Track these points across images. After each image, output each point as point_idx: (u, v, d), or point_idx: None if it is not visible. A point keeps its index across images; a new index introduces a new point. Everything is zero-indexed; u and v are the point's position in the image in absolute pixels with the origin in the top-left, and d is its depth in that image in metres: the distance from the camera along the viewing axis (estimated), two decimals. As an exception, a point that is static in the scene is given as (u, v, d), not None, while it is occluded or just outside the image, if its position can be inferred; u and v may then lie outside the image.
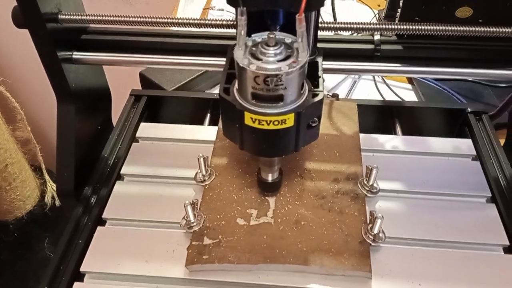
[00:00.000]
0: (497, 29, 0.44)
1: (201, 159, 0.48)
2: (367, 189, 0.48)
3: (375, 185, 0.48)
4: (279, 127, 0.36)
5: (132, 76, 0.80)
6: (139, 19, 0.46)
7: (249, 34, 0.36)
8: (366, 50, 0.50)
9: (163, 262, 0.43)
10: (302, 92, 0.37)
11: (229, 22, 0.45)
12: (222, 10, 1.06)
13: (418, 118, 0.63)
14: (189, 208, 0.43)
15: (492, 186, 0.50)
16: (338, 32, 0.47)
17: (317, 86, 0.38)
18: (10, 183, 1.10)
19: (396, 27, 0.45)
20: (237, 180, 0.49)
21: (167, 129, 0.59)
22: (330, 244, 0.43)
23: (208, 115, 0.64)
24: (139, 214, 0.48)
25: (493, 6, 0.45)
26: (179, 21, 0.46)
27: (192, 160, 0.50)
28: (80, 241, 0.46)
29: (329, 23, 0.45)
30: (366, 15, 1.01)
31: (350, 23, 0.45)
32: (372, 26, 0.45)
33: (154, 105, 0.65)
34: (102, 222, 0.48)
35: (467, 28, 0.44)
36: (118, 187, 0.52)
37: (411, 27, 0.44)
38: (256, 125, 0.36)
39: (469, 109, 0.61)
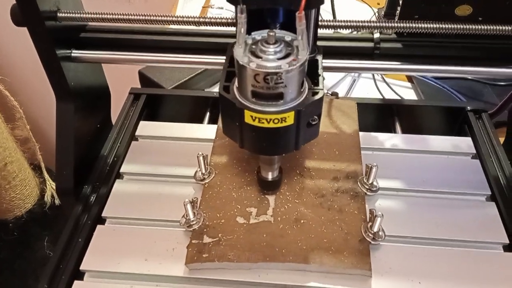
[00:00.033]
0: (497, 27, 0.44)
1: (201, 158, 0.48)
2: (367, 187, 0.48)
3: (374, 183, 0.48)
4: (279, 125, 0.36)
5: (131, 74, 0.80)
6: (138, 17, 0.46)
7: (249, 32, 0.36)
8: (366, 48, 0.49)
9: (162, 261, 0.43)
10: (302, 90, 0.37)
11: (229, 20, 0.45)
12: (222, 8, 1.05)
13: (417, 117, 0.63)
14: (188, 206, 0.43)
15: (492, 184, 0.50)
16: (338, 30, 0.47)
17: (317, 84, 0.38)
18: (9, 182, 1.10)
19: (395, 25, 0.45)
20: (236, 178, 0.49)
21: (167, 128, 0.59)
22: (330, 242, 0.43)
23: (208, 113, 0.64)
24: (139, 213, 0.48)
25: (493, 4, 0.45)
26: (178, 19, 0.46)
27: (191, 158, 0.50)
28: (79, 240, 0.46)
29: (329, 21, 0.45)
30: (366, 14, 1.01)
31: (349, 21, 0.45)
32: (372, 24, 0.45)
33: (154, 103, 0.65)
34: (102, 221, 0.48)
35: (467, 26, 0.44)
36: (118, 185, 0.51)
37: (410, 25, 0.44)
38: (256, 123, 0.36)
39: (468, 108, 0.61)
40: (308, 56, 0.35)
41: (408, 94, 0.84)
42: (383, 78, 0.86)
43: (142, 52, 0.51)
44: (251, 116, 0.36)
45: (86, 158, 0.54)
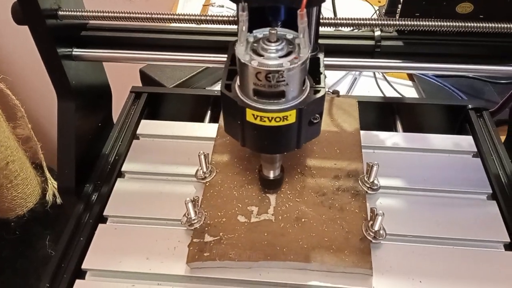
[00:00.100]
0: (498, 25, 0.44)
1: (202, 156, 0.48)
2: (368, 186, 0.48)
3: (375, 182, 0.48)
4: (281, 123, 0.36)
5: (132, 73, 0.80)
6: (139, 15, 0.46)
7: (250, 30, 0.36)
8: (367, 46, 0.49)
9: (164, 259, 0.43)
10: (303, 88, 0.36)
11: (230, 18, 0.45)
12: (222, 6, 1.05)
13: (418, 115, 0.63)
14: (190, 205, 0.43)
15: (492, 183, 0.50)
16: (339, 28, 0.46)
17: (318, 82, 0.38)
18: (11, 181, 1.11)
19: (396, 23, 0.45)
20: (237, 177, 0.49)
21: (168, 126, 0.59)
22: (330, 241, 0.43)
23: (209, 112, 0.64)
24: (140, 212, 0.48)
25: (494, 1, 0.45)
26: (179, 17, 0.46)
27: (192, 157, 0.50)
28: (81, 239, 0.46)
29: (330, 18, 0.45)
30: (367, 11, 1.01)
31: (350, 19, 0.45)
32: (373, 22, 0.45)
33: (155, 102, 0.65)
34: (103, 220, 0.48)
35: (468, 24, 0.44)
36: (119, 184, 0.52)
37: (411, 23, 0.44)
38: (257, 121, 0.36)
39: (469, 106, 0.61)
40: (309, 54, 0.35)
41: (409, 92, 0.84)
42: (384, 76, 0.86)
43: (143, 51, 0.51)
44: (253, 115, 0.36)
45: (88, 156, 0.54)
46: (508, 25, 0.44)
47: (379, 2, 1.04)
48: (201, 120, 0.62)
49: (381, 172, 0.47)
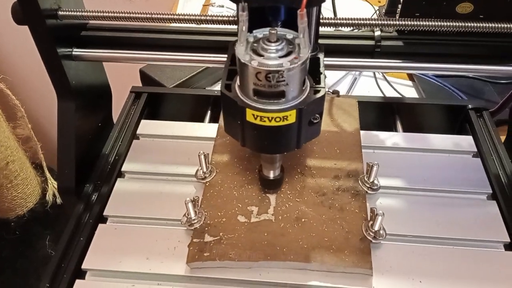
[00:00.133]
0: (498, 25, 0.44)
1: (202, 156, 0.48)
2: (368, 186, 0.48)
3: (375, 182, 0.48)
4: (281, 123, 0.36)
5: (132, 73, 0.80)
6: (139, 15, 0.46)
7: (250, 30, 0.36)
8: (367, 46, 0.49)
9: (164, 259, 0.43)
10: (303, 88, 0.37)
11: (230, 18, 0.45)
12: (222, 6, 1.05)
13: (418, 115, 0.63)
14: (190, 205, 0.43)
15: (493, 183, 0.50)
16: (339, 28, 0.46)
17: (318, 82, 0.38)
18: (11, 181, 1.11)
19: (396, 22, 0.45)
20: (237, 177, 0.49)
21: (168, 126, 0.59)
22: (330, 241, 0.43)
23: (209, 112, 0.64)
24: (140, 211, 0.48)
25: (494, 1, 0.45)
26: (179, 17, 0.46)
27: (192, 157, 0.50)
28: (81, 239, 0.46)
29: (330, 18, 0.45)
30: (367, 11, 1.01)
31: (350, 19, 0.45)
32: (373, 22, 0.45)
33: (155, 102, 0.65)
34: (103, 220, 0.48)
35: (468, 24, 0.44)
36: (119, 184, 0.52)
37: (411, 23, 0.44)
38: (257, 121, 0.36)
39: (469, 106, 0.61)
40: (309, 54, 0.35)
41: (409, 92, 0.84)
42: (384, 76, 0.86)
43: (143, 51, 0.51)
44: (253, 115, 0.36)
45: (88, 156, 0.54)
46: (508, 25, 0.44)
47: (379, 2, 1.04)
48: (201, 120, 0.62)
49: (381, 172, 0.47)
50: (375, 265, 0.42)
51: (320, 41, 0.43)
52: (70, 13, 0.47)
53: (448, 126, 0.62)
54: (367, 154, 0.52)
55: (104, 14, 0.47)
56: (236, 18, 0.44)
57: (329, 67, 0.49)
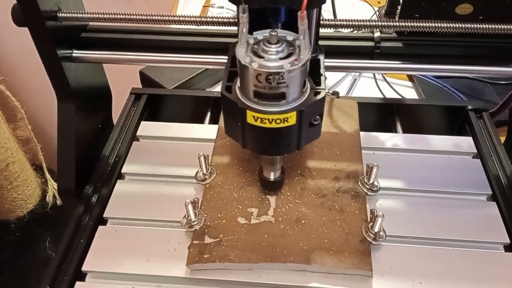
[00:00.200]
0: (497, 26, 0.44)
1: (202, 158, 0.48)
2: (368, 187, 0.48)
3: (375, 183, 0.48)
4: (281, 125, 0.36)
5: (132, 74, 0.80)
6: (139, 17, 0.46)
7: (250, 31, 0.36)
8: (366, 48, 0.49)
9: (164, 261, 0.43)
10: (304, 90, 0.37)
11: (229, 20, 0.45)
12: (222, 7, 1.05)
13: (418, 116, 0.63)
14: (190, 207, 0.43)
15: (492, 184, 0.50)
16: (338, 29, 0.46)
17: (319, 84, 0.38)
18: (11, 182, 1.11)
19: (396, 24, 0.45)
20: (237, 178, 0.49)
21: (168, 128, 0.59)
22: (330, 242, 0.43)
23: (209, 113, 0.64)
24: (140, 213, 0.48)
25: (493, 3, 0.45)
26: (180, 18, 0.46)
27: (192, 158, 0.50)
28: (81, 241, 0.46)
29: (329, 20, 0.45)
30: (366, 12, 1.01)
31: (350, 20, 0.45)
32: (372, 23, 0.45)
33: (155, 103, 0.65)
34: (103, 221, 0.48)
35: (467, 25, 0.44)
36: (119, 186, 0.52)
37: (411, 24, 0.44)
38: (258, 123, 0.36)
39: (469, 107, 0.61)
40: (310, 56, 0.35)
41: (409, 93, 0.84)
42: (384, 77, 0.86)
43: (143, 52, 0.51)
44: (253, 116, 0.36)
45: (88, 158, 0.54)
46: (508, 26, 0.44)
47: (379, 3, 1.04)
48: (201, 121, 0.62)
49: (381, 173, 0.47)
50: (375, 266, 0.42)
51: (320, 42, 0.43)
52: (70, 14, 0.47)
53: (448, 127, 0.63)
54: (367, 155, 0.52)
55: (104, 16, 0.47)
56: (236, 20, 0.44)
57: (328, 68, 0.49)
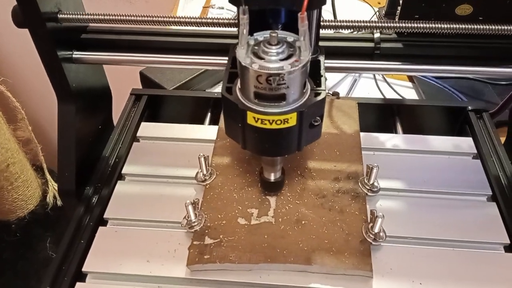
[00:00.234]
0: (497, 27, 0.44)
1: (202, 159, 0.48)
2: (368, 188, 0.48)
3: (375, 184, 0.48)
4: (282, 126, 0.36)
5: (133, 75, 0.80)
6: (139, 18, 0.46)
7: (251, 33, 0.36)
8: (366, 48, 0.49)
9: (164, 262, 0.43)
10: (304, 91, 0.37)
11: (230, 21, 0.45)
12: (222, 8, 1.05)
13: (418, 116, 0.63)
14: (190, 207, 0.44)
15: (492, 184, 0.50)
16: (338, 30, 0.46)
17: (319, 85, 0.38)
18: (12, 183, 1.11)
19: (396, 25, 0.45)
20: (238, 179, 0.49)
21: (168, 129, 0.59)
22: (331, 243, 0.43)
23: (209, 114, 0.64)
24: (141, 214, 0.48)
25: (493, 3, 0.45)
26: (180, 19, 0.46)
27: (193, 159, 0.50)
28: (82, 241, 0.46)
29: (329, 21, 0.45)
30: (366, 13, 1.01)
31: (350, 21, 0.45)
32: (372, 24, 0.45)
33: (155, 104, 0.65)
34: (104, 222, 0.48)
35: (467, 26, 0.44)
36: (119, 187, 0.52)
37: (411, 25, 0.44)
38: (258, 124, 0.36)
39: (469, 107, 0.61)
40: (310, 57, 0.35)
41: (409, 93, 0.84)
42: (384, 77, 0.86)
43: (143, 53, 0.51)
44: (254, 117, 0.36)
45: (88, 159, 0.54)
46: (507, 27, 0.44)
47: (379, 3, 1.04)
48: (201, 122, 0.63)
49: (381, 174, 0.47)
50: (375, 267, 0.42)
51: (320, 43, 0.44)
52: (70, 16, 0.47)
53: (448, 127, 0.63)
54: (367, 156, 0.52)
55: (104, 17, 0.47)
56: (236, 21, 0.44)
57: (328, 69, 0.49)
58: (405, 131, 0.60)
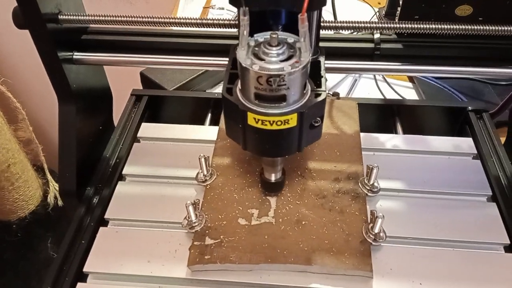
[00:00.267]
0: (497, 27, 0.44)
1: (202, 159, 0.48)
2: (368, 188, 0.48)
3: (375, 184, 0.48)
4: (282, 127, 0.36)
5: (133, 76, 0.80)
6: (139, 19, 0.46)
7: (251, 34, 0.36)
8: (366, 49, 0.50)
9: (165, 262, 0.44)
10: (304, 92, 0.37)
11: (230, 22, 0.45)
12: (222, 9, 1.05)
13: (418, 117, 0.63)
14: (190, 208, 0.44)
15: (493, 184, 0.50)
16: (338, 31, 0.47)
17: (319, 85, 0.38)
18: (12, 183, 1.11)
19: (396, 25, 0.45)
20: (238, 179, 0.49)
21: (168, 129, 0.59)
22: (331, 243, 0.43)
23: (209, 114, 0.64)
24: (141, 214, 0.48)
25: (493, 4, 0.45)
26: (180, 20, 0.46)
27: (193, 160, 0.50)
28: (83, 242, 0.46)
29: (329, 22, 0.45)
30: (367, 13, 1.01)
31: (350, 22, 0.45)
32: (372, 25, 0.45)
33: (155, 105, 0.65)
34: (105, 223, 0.49)
35: (467, 27, 0.44)
36: (120, 187, 0.52)
37: (411, 25, 0.44)
38: (259, 125, 0.36)
39: (469, 108, 0.61)
40: (310, 58, 0.35)
41: (409, 94, 0.84)
42: (384, 78, 0.86)
43: (144, 54, 0.51)
44: (254, 118, 0.36)
45: (89, 159, 0.54)
46: (507, 28, 0.44)
47: (379, 3, 1.04)
48: (202, 122, 0.63)
49: (381, 174, 0.47)
50: (375, 267, 0.42)
51: (320, 44, 0.44)
52: (70, 17, 0.47)
53: (448, 128, 0.63)
54: (367, 156, 0.53)
55: (105, 18, 0.47)
56: (236, 22, 0.44)
57: (328, 70, 0.49)
58: (405, 132, 0.60)
